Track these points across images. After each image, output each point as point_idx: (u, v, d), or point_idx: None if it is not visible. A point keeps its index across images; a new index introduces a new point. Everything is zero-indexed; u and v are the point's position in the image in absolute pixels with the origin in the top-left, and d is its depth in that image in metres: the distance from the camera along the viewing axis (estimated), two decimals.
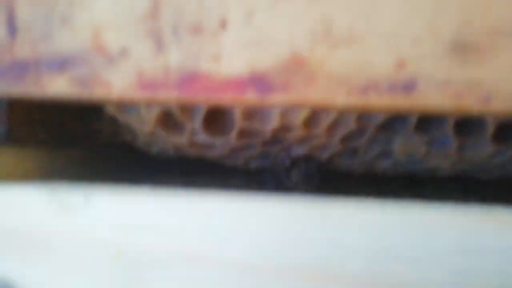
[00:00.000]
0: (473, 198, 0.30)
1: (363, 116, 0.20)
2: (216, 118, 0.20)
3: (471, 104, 0.15)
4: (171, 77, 0.16)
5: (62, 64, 0.16)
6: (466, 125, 0.21)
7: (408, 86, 0.15)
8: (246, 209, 0.16)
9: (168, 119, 0.21)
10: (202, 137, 0.21)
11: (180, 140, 0.21)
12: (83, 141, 0.27)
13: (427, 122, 0.21)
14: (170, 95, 0.16)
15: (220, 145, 0.22)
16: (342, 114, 0.20)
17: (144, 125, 0.22)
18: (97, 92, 0.16)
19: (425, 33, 0.15)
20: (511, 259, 0.15)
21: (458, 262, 0.15)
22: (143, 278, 0.16)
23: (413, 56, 0.15)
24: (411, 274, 0.15)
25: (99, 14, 0.16)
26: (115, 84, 0.16)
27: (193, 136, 0.21)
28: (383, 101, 0.15)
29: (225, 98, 0.16)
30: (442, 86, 0.15)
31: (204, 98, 0.16)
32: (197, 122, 0.20)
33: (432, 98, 0.15)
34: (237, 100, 0.16)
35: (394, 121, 0.21)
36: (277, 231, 0.16)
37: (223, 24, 0.16)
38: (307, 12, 0.16)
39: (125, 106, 0.21)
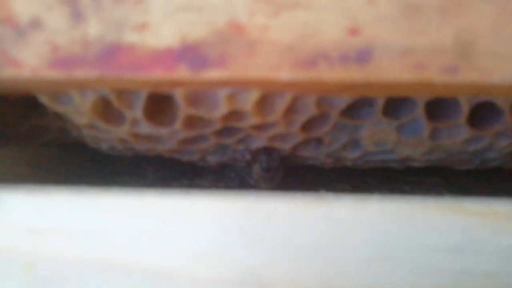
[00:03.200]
0: (455, 191, 0.28)
1: (323, 99, 0.18)
2: (158, 105, 0.18)
3: (434, 75, 0.13)
4: (91, 51, 0.14)
5: None
6: (439, 107, 0.19)
7: (363, 55, 0.13)
8: (177, 209, 0.14)
9: (105, 107, 0.18)
10: (145, 127, 0.19)
11: (121, 131, 0.19)
12: (27, 140, 0.25)
13: (396, 105, 0.19)
14: (90, 72, 0.14)
15: (167, 137, 0.20)
16: (299, 98, 0.18)
17: (81, 116, 0.19)
18: (5, 72, 0.14)
19: None
20: (481, 256, 0.13)
21: (423, 260, 0.13)
22: None
23: (367, 20, 0.13)
24: (370, 276, 0.13)
25: None
26: (26, 61, 0.14)
27: (135, 127, 0.19)
28: (335, 73, 0.13)
29: (153, 74, 0.14)
30: (401, 55, 0.13)
31: (129, 75, 0.14)
32: (138, 110, 0.18)
33: (390, 68, 0.13)
34: (167, 76, 0.14)
35: (359, 105, 0.19)
36: (214, 232, 0.14)
37: None
38: None
39: (59, 95, 0.19)
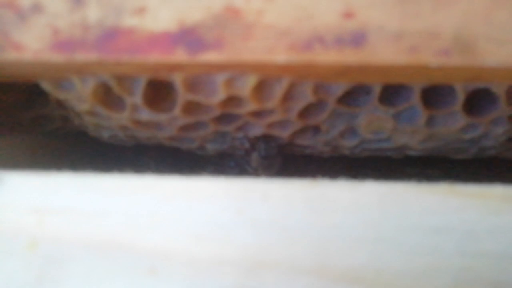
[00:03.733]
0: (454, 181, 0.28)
1: (320, 86, 0.19)
2: (158, 91, 0.19)
3: (429, 58, 0.14)
4: (90, 34, 0.14)
5: None
6: (435, 95, 0.20)
7: (357, 39, 0.14)
8: (176, 190, 0.14)
9: (106, 93, 0.19)
10: (145, 113, 0.19)
11: (121, 117, 0.19)
12: (29, 129, 0.25)
13: (392, 92, 0.19)
14: (90, 56, 0.14)
15: (167, 123, 0.20)
16: (296, 84, 0.18)
17: (83, 102, 0.20)
18: (7, 55, 0.14)
19: None
20: (473, 237, 0.13)
21: (416, 241, 0.13)
22: (61, 271, 0.14)
23: (362, 4, 0.14)
24: (363, 256, 0.13)
25: None
26: (28, 44, 0.14)
27: (135, 113, 0.19)
28: (330, 57, 0.14)
29: (151, 57, 0.14)
30: (395, 39, 0.14)
31: (128, 58, 0.14)
32: (138, 96, 0.18)
33: (384, 52, 0.14)
34: (165, 59, 0.14)
35: (356, 93, 0.19)
36: (212, 213, 0.14)
37: None
38: None
39: (61, 81, 0.19)
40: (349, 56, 0.13)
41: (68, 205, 0.14)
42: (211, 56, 0.14)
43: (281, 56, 0.14)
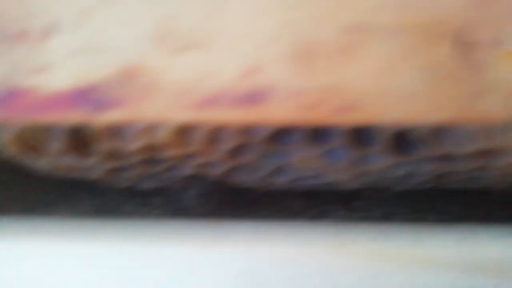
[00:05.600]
0: (407, 205, 0.28)
1: (245, 130, 0.19)
2: (79, 137, 0.18)
3: (328, 115, 0.14)
4: None
5: None
6: (361, 133, 0.20)
7: (256, 97, 0.14)
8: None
9: (26, 141, 0.18)
10: (68, 159, 0.19)
11: (44, 164, 0.19)
12: None
13: (319, 132, 0.19)
14: None
15: (92, 168, 0.20)
16: (217, 128, 0.18)
17: (4, 149, 0.19)
18: None
19: (273, 35, 0.14)
20: None
21: None
22: None
23: (261, 62, 0.14)
24: None
25: None
26: None
27: (58, 159, 0.19)
28: (229, 115, 0.14)
29: (51, 117, 0.14)
30: (294, 96, 0.14)
31: (26, 118, 0.14)
32: (59, 143, 0.18)
33: (284, 109, 0.14)
34: (64, 119, 0.14)
35: (283, 133, 0.19)
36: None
37: (49, 30, 0.14)
38: (143, 14, 0.14)
39: None
40: (248, 115, 0.13)
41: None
42: (112, 115, 0.14)
43: (182, 114, 0.13)
